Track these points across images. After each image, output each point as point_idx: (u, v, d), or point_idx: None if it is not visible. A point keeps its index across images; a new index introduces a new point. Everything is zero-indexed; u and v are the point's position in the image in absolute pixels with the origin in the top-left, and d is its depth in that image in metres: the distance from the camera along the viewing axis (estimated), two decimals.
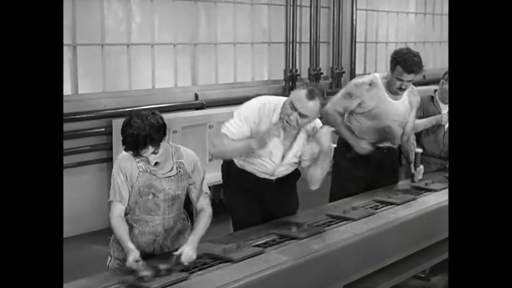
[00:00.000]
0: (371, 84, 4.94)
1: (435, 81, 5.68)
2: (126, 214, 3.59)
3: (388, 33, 11.73)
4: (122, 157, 3.55)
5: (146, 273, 3.18)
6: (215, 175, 5.30)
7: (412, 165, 5.10)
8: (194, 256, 3.36)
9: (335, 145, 5.27)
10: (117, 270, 3.44)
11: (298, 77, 9.60)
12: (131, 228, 3.56)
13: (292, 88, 9.50)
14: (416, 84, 5.44)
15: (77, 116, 6.94)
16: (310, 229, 3.97)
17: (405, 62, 4.79)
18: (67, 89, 7.22)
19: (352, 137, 5.05)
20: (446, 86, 5.62)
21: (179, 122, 7.42)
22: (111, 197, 3.54)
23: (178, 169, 3.59)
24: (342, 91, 5.12)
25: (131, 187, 3.53)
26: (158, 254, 3.60)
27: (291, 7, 9.41)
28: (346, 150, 5.11)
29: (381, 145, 5.08)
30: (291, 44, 9.48)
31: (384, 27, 11.66)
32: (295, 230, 3.91)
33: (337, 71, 10.32)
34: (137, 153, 3.39)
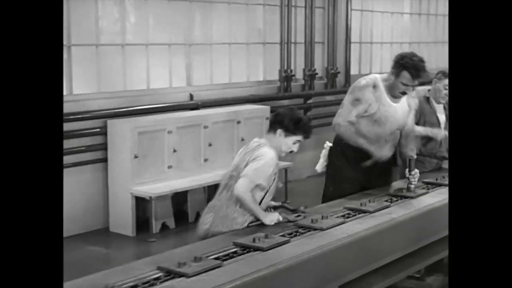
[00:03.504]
0: (374, 86, 4.88)
1: (429, 81, 5.69)
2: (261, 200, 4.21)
3: (383, 33, 11.74)
4: (275, 156, 4.18)
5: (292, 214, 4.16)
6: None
7: (406, 170, 5.03)
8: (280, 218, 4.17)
9: (330, 144, 5.25)
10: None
11: (293, 77, 9.60)
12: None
13: (287, 88, 9.51)
14: None
15: (72, 117, 6.92)
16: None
17: (413, 68, 4.73)
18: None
19: (371, 145, 4.94)
20: (439, 85, 5.67)
21: (174, 123, 7.42)
22: (256, 179, 4.07)
23: None
24: (348, 100, 4.97)
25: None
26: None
27: (286, 8, 9.41)
28: (341, 150, 5.09)
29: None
30: (286, 45, 9.48)
31: (379, 27, 11.67)
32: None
33: (332, 71, 10.33)
34: (305, 137, 4.29)
